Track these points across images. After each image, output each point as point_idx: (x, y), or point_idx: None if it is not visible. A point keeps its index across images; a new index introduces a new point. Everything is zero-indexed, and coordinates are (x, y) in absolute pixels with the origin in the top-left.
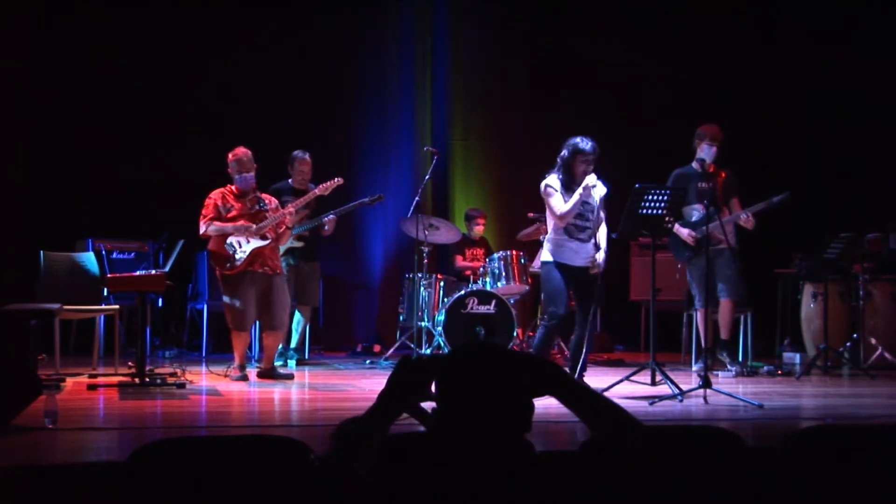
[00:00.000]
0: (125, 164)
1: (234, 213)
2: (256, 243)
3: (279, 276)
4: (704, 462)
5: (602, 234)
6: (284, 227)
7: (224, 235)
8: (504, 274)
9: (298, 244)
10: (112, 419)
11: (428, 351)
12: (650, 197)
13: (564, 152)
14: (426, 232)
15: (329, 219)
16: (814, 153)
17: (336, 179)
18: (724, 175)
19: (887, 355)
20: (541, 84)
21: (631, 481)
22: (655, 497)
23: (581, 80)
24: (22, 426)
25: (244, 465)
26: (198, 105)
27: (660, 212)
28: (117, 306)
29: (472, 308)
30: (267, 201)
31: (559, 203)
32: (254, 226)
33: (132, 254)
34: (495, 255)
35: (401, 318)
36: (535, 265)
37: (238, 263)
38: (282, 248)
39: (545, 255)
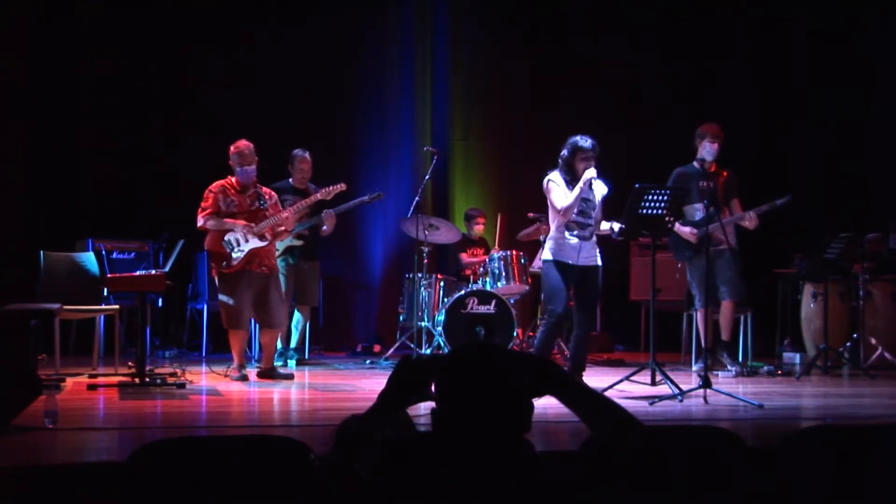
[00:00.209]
0: (125, 164)
1: (234, 209)
2: (255, 243)
3: (275, 274)
4: (704, 462)
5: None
6: (283, 229)
7: (222, 232)
8: (504, 274)
9: (297, 243)
10: (112, 419)
11: (428, 351)
12: (650, 197)
13: (565, 151)
14: (426, 232)
15: (328, 215)
16: (814, 153)
17: (339, 185)
18: (725, 174)
19: (887, 355)
20: (541, 84)
21: (631, 481)
22: (655, 497)
23: (581, 80)
24: (22, 426)
25: (244, 465)
26: (198, 105)
27: (660, 212)
28: (117, 306)
29: (472, 308)
30: (267, 196)
31: (561, 197)
32: (254, 225)
33: (132, 254)
34: (495, 255)
35: (401, 318)
36: (536, 265)
37: (234, 263)
38: (280, 246)
39: (546, 252)
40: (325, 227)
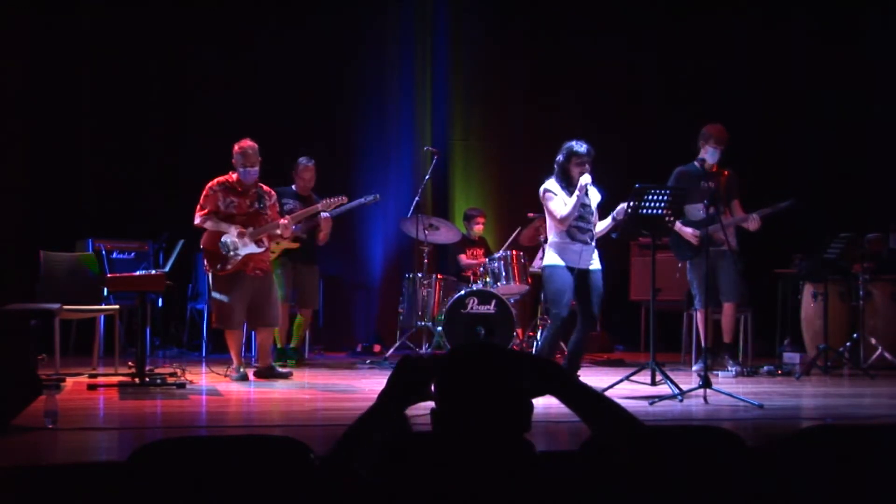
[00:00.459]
0: (125, 164)
1: (233, 210)
2: (251, 249)
3: (269, 276)
4: (704, 462)
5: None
6: (280, 237)
7: (219, 231)
8: (504, 274)
9: (294, 245)
10: (112, 419)
11: (428, 351)
12: (650, 197)
13: (560, 156)
14: (426, 232)
15: (324, 217)
16: (814, 153)
17: (340, 198)
18: (726, 174)
19: (887, 355)
20: (541, 84)
21: (631, 481)
22: (655, 497)
23: (581, 80)
24: (22, 426)
25: (244, 465)
26: (198, 105)
27: (660, 211)
28: (117, 306)
29: (472, 308)
30: (267, 196)
31: (559, 206)
32: (250, 229)
33: (132, 254)
34: (495, 255)
35: (401, 318)
36: (535, 265)
37: (229, 266)
38: (276, 249)
39: (548, 257)
40: (322, 233)
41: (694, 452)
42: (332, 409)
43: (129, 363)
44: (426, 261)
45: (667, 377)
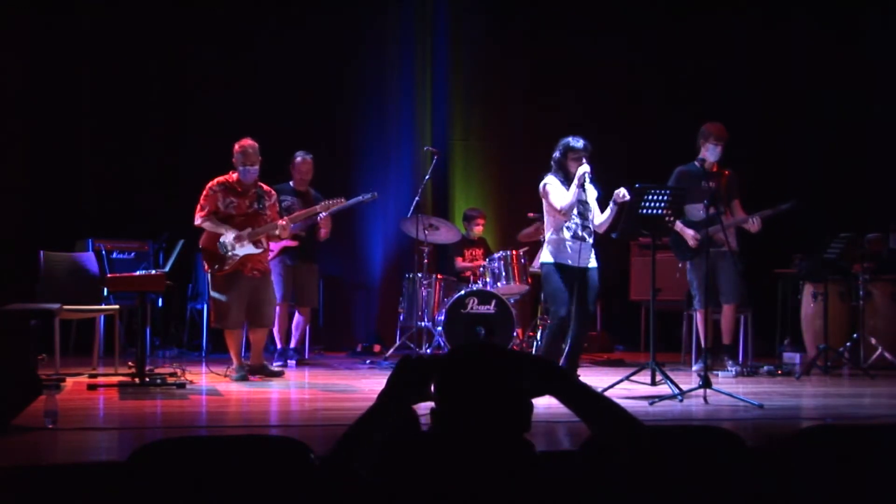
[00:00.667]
0: (125, 164)
1: (232, 210)
2: (249, 249)
3: (268, 277)
4: (704, 462)
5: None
6: (278, 238)
7: (217, 233)
8: (504, 274)
9: (293, 243)
10: (112, 419)
11: (428, 351)
12: (650, 197)
13: (557, 152)
14: (426, 232)
15: (322, 218)
16: (814, 153)
17: (339, 200)
18: (727, 174)
19: (887, 355)
20: (541, 84)
21: (631, 481)
22: (655, 497)
23: (581, 80)
24: (22, 426)
25: (244, 465)
26: (198, 105)
27: (660, 211)
28: (117, 306)
29: (472, 308)
30: (267, 196)
31: (560, 196)
32: (248, 230)
33: (132, 254)
34: (495, 255)
35: (401, 318)
36: (535, 265)
37: (227, 267)
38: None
39: (545, 255)
40: (323, 231)
41: (694, 452)
42: (332, 409)
43: (129, 363)
44: (426, 261)
45: (667, 377)
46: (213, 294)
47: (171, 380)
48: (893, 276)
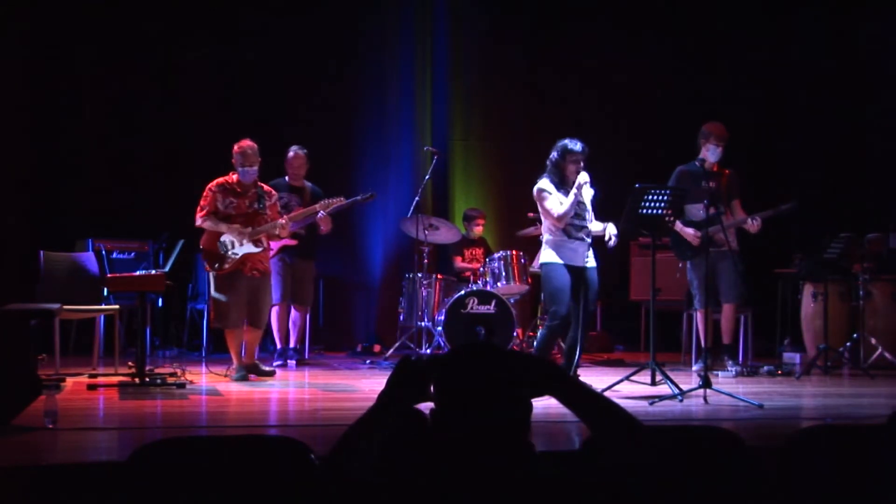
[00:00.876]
0: (125, 164)
1: (232, 210)
2: (249, 248)
3: (267, 277)
4: (704, 462)
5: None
6: (278, 237)
7: (218, 232)
8: (504, 274)
9: (292, 242)
10: (112, 419)
11: (428, 351)
12: (650, 197)
13: (554, 154)
14: (426, 232)
15: (322, 218)
16: (814, 153)
17: (338, 199)
18: (727, 174)
19: (887, 355)
20: (541, 84)
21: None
22: (655, 497)
23: (581, 79)
24: (22, 426)
25: (244, 465)
26: (197, 105)
27: (660, 211)
28: (117, 306)
29: (472, 308)
30: (267, 196)
31: (556, 205)
32: (249, 229)
33: (132, 254)
34: (495, 255)
35: (401, 318)
36: (535, 265)
37: (227, 266)
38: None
39: (545, 255)
40: (323, 228)
41: (694, 452)
42: (332, 409)
43: (129, 363)
44: (426, 261)
45: (667, 377)
46: (214, 294)
47: (171, 380)
48: (893, 276)
